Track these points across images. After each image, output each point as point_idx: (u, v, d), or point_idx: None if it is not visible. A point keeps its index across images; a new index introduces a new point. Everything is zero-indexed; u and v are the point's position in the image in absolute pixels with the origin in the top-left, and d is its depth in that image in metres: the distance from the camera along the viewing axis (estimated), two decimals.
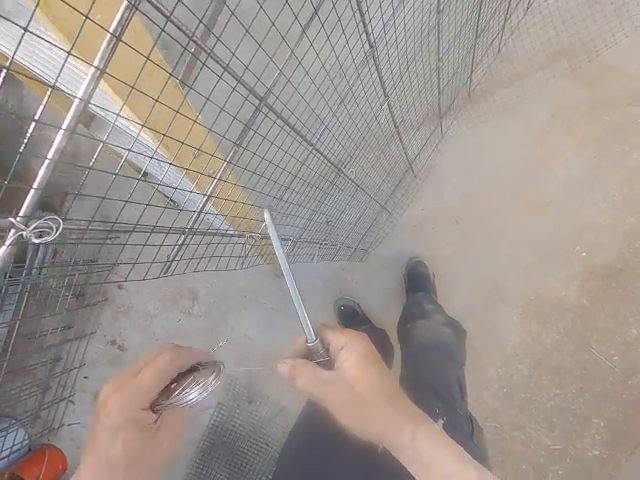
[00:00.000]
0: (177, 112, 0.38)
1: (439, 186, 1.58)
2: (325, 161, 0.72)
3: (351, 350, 0.37)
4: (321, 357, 0.39)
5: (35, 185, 0.25)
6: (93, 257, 1.72)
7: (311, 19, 0.46)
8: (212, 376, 0.34)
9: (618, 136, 1.53)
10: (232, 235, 0.63)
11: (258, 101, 0.45)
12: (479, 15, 1.03)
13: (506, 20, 1.36)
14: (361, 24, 0.50)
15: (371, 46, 0.58)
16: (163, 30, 0.30)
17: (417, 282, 1.51)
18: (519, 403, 1.57)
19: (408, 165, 1.35)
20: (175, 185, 0.49)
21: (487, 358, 1.61)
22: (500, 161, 1.55)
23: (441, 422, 0.65)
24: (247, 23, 0.38)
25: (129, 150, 0.36)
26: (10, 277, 1.41)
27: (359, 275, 1.66)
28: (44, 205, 1.65)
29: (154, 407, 0.33)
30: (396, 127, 0.95)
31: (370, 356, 0.38)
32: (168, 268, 0.52)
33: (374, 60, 0.60)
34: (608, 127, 1.54)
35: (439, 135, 1.51)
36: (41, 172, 0.26)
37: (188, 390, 0.33)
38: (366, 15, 0.48)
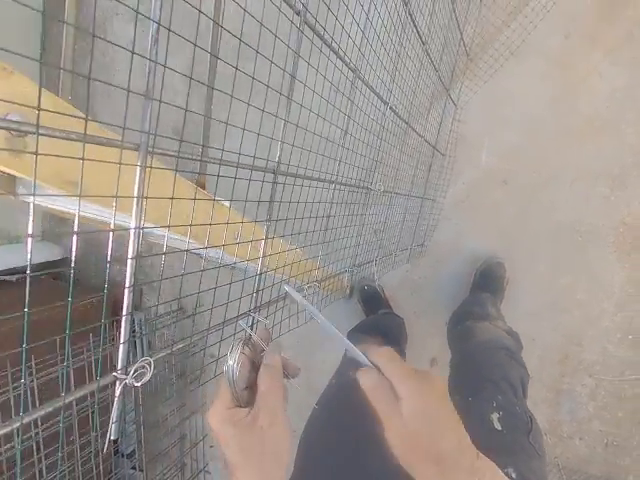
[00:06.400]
0: (210, 223, 0.42)
1: (472, 154, 1.51)
2: (349, 189, 0.73)
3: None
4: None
5: (127, 284, 0.29)
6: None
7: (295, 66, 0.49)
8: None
9: None
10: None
11: (272, 175, 0.48)
12: None
13: None
14: (338, 60, 0.51)
15: (353, 71, 0.59)
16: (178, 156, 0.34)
17: (488, 282, 1.43)
18: None
19: (432, 149, 1.31)
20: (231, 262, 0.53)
21: (597, 308, 1.45)
22: (527, 104, 1.44)
23: (496, 415, 0.64)
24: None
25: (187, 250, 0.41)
26: None
27: (426, 270, 1.62)
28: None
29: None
30: (407, 123, 0.94)
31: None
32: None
33: (361, 80, 0.60)
34: (636, 20, 1.37)
35: (452, 107, 1.45)
36: (128, 270, 0.30)
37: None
38: (339, 52, 0.49)
